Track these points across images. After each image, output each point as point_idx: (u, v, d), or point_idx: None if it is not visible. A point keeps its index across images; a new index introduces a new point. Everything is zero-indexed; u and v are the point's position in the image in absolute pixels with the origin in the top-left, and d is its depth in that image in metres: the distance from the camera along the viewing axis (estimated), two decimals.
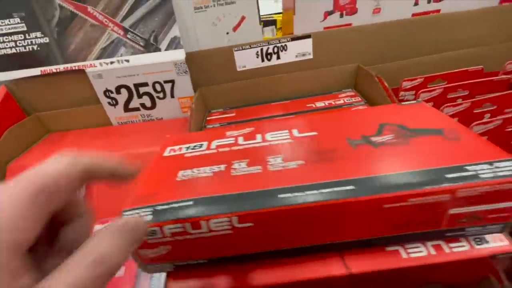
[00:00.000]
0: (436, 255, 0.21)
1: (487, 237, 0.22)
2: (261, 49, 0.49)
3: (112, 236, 0.12)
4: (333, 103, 0.48)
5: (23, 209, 0.11)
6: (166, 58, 0.45)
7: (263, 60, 0.50)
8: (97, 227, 0.37)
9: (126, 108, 0.51)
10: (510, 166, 0.19)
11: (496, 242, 0.22)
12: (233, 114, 0.50)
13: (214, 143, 0.28)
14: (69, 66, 0.46)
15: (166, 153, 0.28)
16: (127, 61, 0.46)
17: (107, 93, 0.49)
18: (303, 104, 0.49)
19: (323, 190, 0.19)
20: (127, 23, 0.44)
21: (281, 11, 0.49)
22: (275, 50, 0.49)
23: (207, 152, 0.27)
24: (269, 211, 0.19)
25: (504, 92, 0.31)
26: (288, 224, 0.20)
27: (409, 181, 0.19)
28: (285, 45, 0.49)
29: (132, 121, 0.52)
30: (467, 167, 0.20)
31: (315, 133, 0.27)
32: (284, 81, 0.52)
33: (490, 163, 0.20)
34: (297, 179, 0.21)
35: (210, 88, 0.52)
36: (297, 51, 0.50)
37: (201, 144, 0.28)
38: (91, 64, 0.46)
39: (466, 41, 0.48)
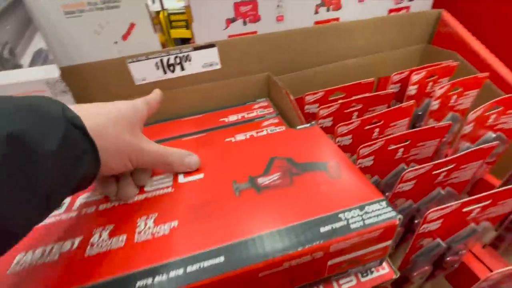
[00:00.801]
0: None
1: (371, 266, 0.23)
2: (161, 60, 0.43)
3: None
4: (245, 116, 0.46)
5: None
6: (33, 77, 0.36)
7: (165, 72, 0.45)
8: None
9: None
10: (377, 209, 0.19)
11: (378, 271, 0.22)
12: None
13: (78, 201, 0.23)
14: None
15: None
16: None
17: None
18: (216, 118, 0.46)
19: (190, 268, 0.17)
20: None
21: None
22: (178, 60, 0.44)
23: (64, 216, 0.21)
24: None
25: (388, 109, 0.32)
26: None
27: (283, 242, 0.18)
28: (188, 55, 0.44)
29: None
30: (341, 215, 0.19)
31: (201, 175, 0.24)
32: (192, 94, 0.47)
33: (361, 208, 0.19)
34: (164, 253, 0.18)
35: None
36: (203, 61, 0.45)
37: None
38: None
39: (363, 48, 0.50)
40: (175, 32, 1.08)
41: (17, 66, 0.36)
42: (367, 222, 0.18)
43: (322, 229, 0.18)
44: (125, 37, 0.41)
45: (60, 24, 0.38)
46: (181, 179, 0.24)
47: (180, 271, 0.16)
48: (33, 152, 0.15)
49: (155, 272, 0.16)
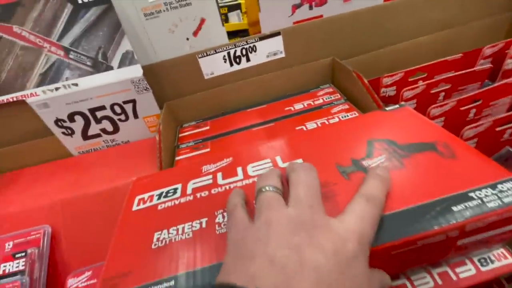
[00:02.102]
0: (443, 285, 0.20)
1: (491, 255, 0.21)
2: (228, 53, 0.45)
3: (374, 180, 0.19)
4: (312, 103, 0.46)
5: None
6: (121, 77, 0.40)
7: (232, 65, 0.46)
8: (71, 281, 0.33)
9: (85, 136, 0.45)
10: None
11: (500, 261, 0.21)
12: (207, 128, 0.46)
13: (190, 186, 0.24)
14: (4, 98, 0.39)
15: (135, 207, 0.24)
16: (76, 84, 0.40)
17: (59, 123, 0.43)
18: (281, 107, 0.46)
19: None
20: (66, 41, 0.37)
21: None
22: (244, 52, 0.45)
23: (182, 200, 0.23)
24: None
25: (488, 87, 0.29)
26: None
27: (414, 220, 0.17)
28: (254, 45, 0.44)
29: (95, 149, 0.47)
30: (471, 194, 0.18)
31: (300, 160, 0.24)
32: (257, 84, 0.48)
33: (493, 186, 0.18)
34: None
35: (178, 101, 0.47)
36: (268, 50, 0.46)
37: (175, 189, 0.25)
38: (32, 93, 0.39)
39: (439, 23, 0.46)
40: None
41: (109, 68, 0.39)
42: (505, 200, 0.17)
43: (455, 208, 0.17)
44: (196, 33, 0.43)
45: (140, 26, 0.41)
46: (280, 163, 0.25)
47: None
48: None
49: None
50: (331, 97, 0.45)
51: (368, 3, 0.43)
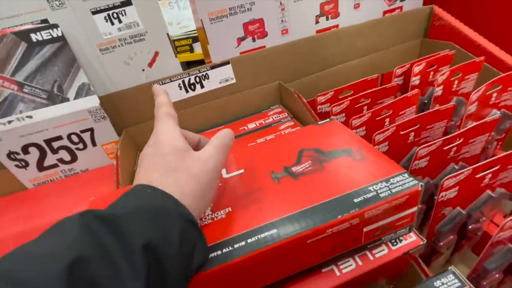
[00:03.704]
0: (363, 265, 0.24)
1: (400, 237, 0.25)
2: (183, 81, 0.48)
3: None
4: (263, 122, 0.50)
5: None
6: (78, 107, 0.41)
7: (187, 91, 0.49)
8: None
9: (41, 167, 0.45)
10: (401, 180, 0.23)
11: (406, 240, 0.25)
12: None
13: None
14: None
15: None
16: (30, 117, 0.41)
17: (11, 156, 0.42)
18: (236, 127, 0.50)
19: (249, 240, 0.20)
20: (19, 77, 0.39)
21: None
22: (197, 80, 0.49)
23: None
24: (201, 275, 0.19)
25: (396, 99, 0.36)
26: (220, 279, 0.20)
27: (324, 213, 0.21)
28: (206, 73, 0.49)
29: (51, 180, 0.46)
30: (369, 188, 0.22)
31: (242, 171, 0.28)
32: (212, 108, 0.52)
33: (386, 180, 0.23)
34: (225, 231, 0.21)
35: (137, 127, 0.49)
36: (220, 77, 0.50)
37: None
38: None
39: (363, 50, 0.54)
40: (180, 56, 1.15)
41: (65, 99, 0.41)
42: (393, 190, 0.22)
43: (356, 200, 0.21)
44: (151, 64, 0.46)
45: (96, 59, 0.43)
46: (225, 174, 0.28)
47: (242, 243, 0.20)
48: (160, 259, 0.16)
49: (221, 246, 0.20)
50: (279, 116, 0.50)
51: (304, 34, 0.50)
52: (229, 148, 0.23)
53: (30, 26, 0.37)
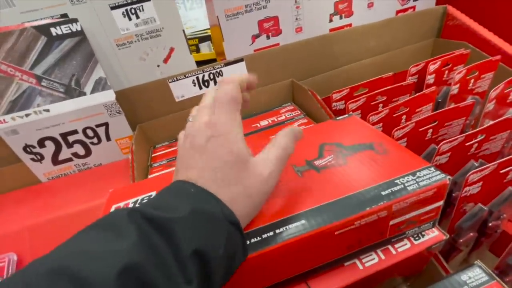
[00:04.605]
0: (386, 259, 0.24)
1: (423, 232, 0.25)
2: (197, 78, 0.49)
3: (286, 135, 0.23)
4: (276, 120, 0.50)
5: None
6: (94, 102, 0.42)
7: (201, 88, 0.50)
8: None
9: (56, 161, 0.45)
10: (428, 173, 0.22)
11: (429, 235, 0.25)
12: None
13: None
14: None
15: None
16: (47, 110, 0.41)
17: (27, 149, 0.43)
18: (248, 125, 0.50)
19: (277, 230, 0.20)
20: (38, 70, 0.39)
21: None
22: (211, 76, 0.49)
23: None
24: None
25: (411, 96, 0.36)
26: (251, 267, 0.20)
27: (352, 205, 0.21)
28: (220, 70, 0.49)
29: (65, 174, 0.47)
30: (396, 181, 0.22)
31: None
32: None
33: (413, 174, 0.23)
34: (252, 221, 0.21)
35: (151, 123, 0.50)
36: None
37: (150, 196, 0.27)
38: (0, 121, 0.40)
39: (376, 49, 0.54)
40: None
41: (82, 93, 0.41)
42: (421, 184, 0.22)
43: (383, 193, 0.21)
44: (166, 60, 0.47)
45: (113, 55, 0.44)
46: None
47: (271, 233, 0.20)
48: (208, 263, 0.16)
49: (250, 235, 0.20)
50: (292, 114, 0.50)
51: (317, 33, 0.50)
52: (289, 156, 0.22)
53: (51, 20, 0.38)
